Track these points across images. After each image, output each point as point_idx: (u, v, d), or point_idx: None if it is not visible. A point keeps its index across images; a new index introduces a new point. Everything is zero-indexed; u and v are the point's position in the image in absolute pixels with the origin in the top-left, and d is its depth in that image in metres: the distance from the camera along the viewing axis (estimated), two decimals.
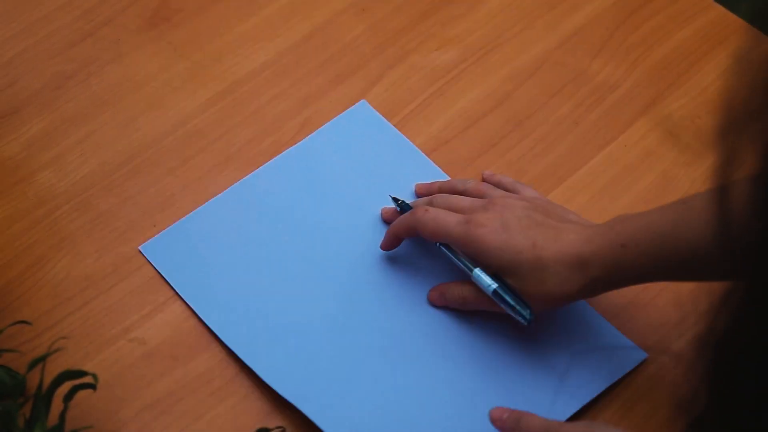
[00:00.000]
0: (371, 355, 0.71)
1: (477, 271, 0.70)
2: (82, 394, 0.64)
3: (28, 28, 0.89)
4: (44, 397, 0.63)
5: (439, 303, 0.73)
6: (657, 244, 0.65)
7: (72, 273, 0.75)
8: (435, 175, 0.80)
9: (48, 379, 0.63)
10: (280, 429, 0.68)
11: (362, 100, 0.84)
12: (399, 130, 0.83)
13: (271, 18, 0.90)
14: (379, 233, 0.76)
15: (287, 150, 0.81)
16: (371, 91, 0.85)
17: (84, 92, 0.85)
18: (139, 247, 0.75)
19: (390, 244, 0.75)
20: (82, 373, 0.63)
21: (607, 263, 0.66)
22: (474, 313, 0.73)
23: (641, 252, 0.65)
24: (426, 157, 0.81)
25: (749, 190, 0.34)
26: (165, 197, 0.79)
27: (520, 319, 0.68)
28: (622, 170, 0.82)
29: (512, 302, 0.68)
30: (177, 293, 0.73)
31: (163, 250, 0.74)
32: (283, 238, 0.76)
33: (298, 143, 0.81)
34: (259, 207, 0.77)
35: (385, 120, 0.83)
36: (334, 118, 0.83)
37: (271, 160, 0.80)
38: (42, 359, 0.63)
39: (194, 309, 0.73)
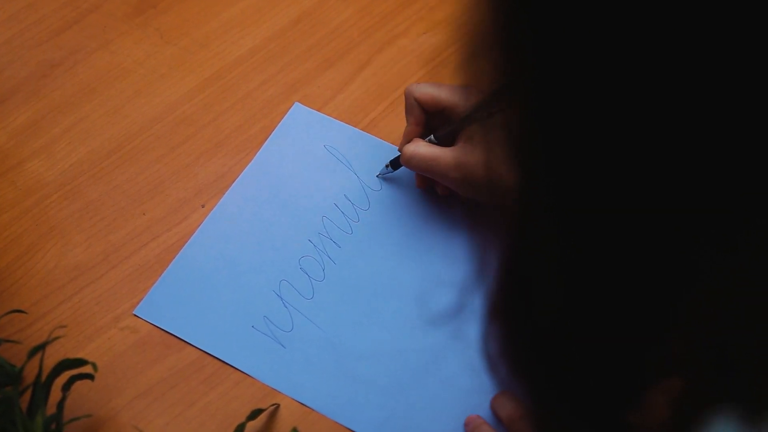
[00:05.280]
0: (371, 353, 0.71)
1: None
2: (75, 383, 0.64)
3: (13, 17, 0.88)
4: (44, 386, 0.63)
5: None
6: None
7: (62, 262, 0.75)
8: (385, 148, 0.80)
9: (44, 368, 0.63)
10: (274, 406, 0.68)
11: (296, 103, 0.83)
12: (388, 114, 0.83)
13: (258, 3, 0.89)
14: (359, 225, 0.77)
15: (244, 171, 0.79)
16: (360, 75, 0.85)
17: (71, 80, 0.85)
18: (134, 311, 0.73)
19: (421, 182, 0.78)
20: (81, 362, 0.63)
21: None
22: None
23: None
24: (371, 135, 0.81)
25: None
26: (154, 185, 0.79)
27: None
28: None
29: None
30: (186, 342, 0.72)
31: (156, 307, 0.73)
32: (268, 254, 0.75)
33: (252, 161, 0.80)
34: (236, 234, 0.76)
35: (322, 114, 0.82)
36: (277, 127, 0.82)
37: (232, 184, 0.78)
38: (41, 347, 0.63)
39: (208, 352, 0.71)
